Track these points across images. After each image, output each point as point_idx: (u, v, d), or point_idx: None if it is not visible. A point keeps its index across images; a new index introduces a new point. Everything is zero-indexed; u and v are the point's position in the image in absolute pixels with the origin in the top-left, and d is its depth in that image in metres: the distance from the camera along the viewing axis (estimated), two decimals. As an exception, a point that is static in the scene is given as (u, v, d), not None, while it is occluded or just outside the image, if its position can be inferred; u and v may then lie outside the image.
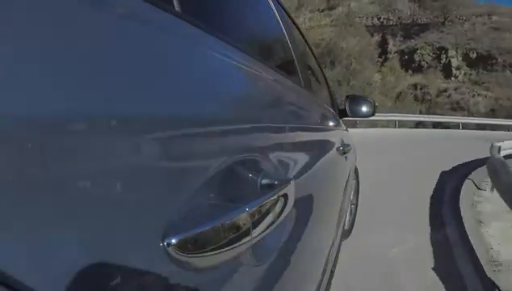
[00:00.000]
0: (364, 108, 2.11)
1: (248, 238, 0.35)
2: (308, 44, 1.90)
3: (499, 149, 4.69)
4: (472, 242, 2.67)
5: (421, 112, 20.59)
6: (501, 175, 3.39)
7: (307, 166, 0.80)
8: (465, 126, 16.76)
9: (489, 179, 4.09)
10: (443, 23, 28.99)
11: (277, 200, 0.43)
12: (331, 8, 29.53)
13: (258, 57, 0.72)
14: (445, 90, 25.02)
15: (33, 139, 0.19)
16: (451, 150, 7.63)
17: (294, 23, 1.56)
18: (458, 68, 26.47)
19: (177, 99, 0.33)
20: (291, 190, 0.47)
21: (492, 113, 21.12)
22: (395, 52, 28.13)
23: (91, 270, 0.21)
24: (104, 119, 0.24)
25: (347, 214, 2.25)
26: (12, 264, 0.17)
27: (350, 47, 19.98)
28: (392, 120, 15.21)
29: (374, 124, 13.35)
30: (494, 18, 29.29)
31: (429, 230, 2.88)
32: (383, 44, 28.32)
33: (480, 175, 4.87)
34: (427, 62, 27.13)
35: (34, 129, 0.19)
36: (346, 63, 18.90)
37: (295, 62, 1.25)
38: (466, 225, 3.04)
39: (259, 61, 0.70)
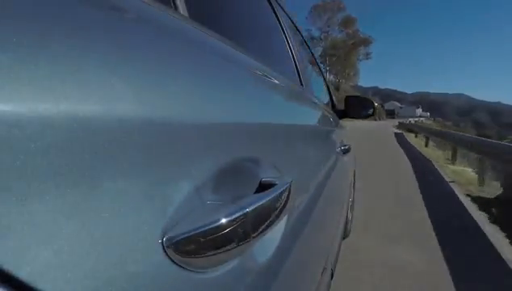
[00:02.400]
0: (364, 108, 2.11)
1: (247, 238, 0.35)
2: (307, 45, 1.90)
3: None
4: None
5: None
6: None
7: (306, 167, 0.81)
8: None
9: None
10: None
11: (277, 200, 0.43)
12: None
13: (258, 58, 0.72)
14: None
15: (32, 137, 0.19)
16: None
17: (294, 24, 1.57)
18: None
19: (177, 99, 0.33)
20: (290, 190, 0.47)
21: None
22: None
23: (89, 270, 0.21)
24: (103, 118, 0.24)
25: (347, 213, 2.25)
26: (11, 264, 0.18)
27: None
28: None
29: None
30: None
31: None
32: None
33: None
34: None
35: (31, 128, 0.19)
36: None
37: (295, 63, 1.25)
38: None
39: (259, 61, 0.70)
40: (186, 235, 0.28)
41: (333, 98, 2.17)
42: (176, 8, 0.46)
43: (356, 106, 2.10)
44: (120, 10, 0.31)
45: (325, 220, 0.98)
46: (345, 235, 2.42)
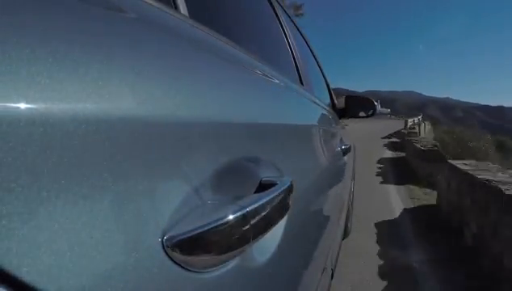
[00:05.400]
0: (364, 108, 2.11)
1: (248, 238, 0.35)
2: (308, 45, 1.90)
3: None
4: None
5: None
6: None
7: (307, 166, 0.81)
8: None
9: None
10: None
11: (277, 200, 0.43)
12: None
13: (258, 57, 0.72)
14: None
15: (33, 137, 0.19)
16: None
17: (294, 23, 1.57)
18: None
19: (177, 99, 0.33)
20: (291, 190, 0.47)
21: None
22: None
23: (90, 269, 0.21)
24: (104, 118, 0.24)
25: (347, 213, 2.25)
26: (11, 264, 0.18)
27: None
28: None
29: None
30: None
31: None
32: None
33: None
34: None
35: (32, 128, 0.19)
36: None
37: (295, 62, 1.25)
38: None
39: (259, 60, 0.70)
40: (186, 235, 0.28)
41: (334, 97, 2.17)
42: (176, 8, 0.46)
43: (356, 106, 2.10)
44: (120, 10, 0.31)
45: (326, 219, 0.98)
46: (345, 235, 2.42)
